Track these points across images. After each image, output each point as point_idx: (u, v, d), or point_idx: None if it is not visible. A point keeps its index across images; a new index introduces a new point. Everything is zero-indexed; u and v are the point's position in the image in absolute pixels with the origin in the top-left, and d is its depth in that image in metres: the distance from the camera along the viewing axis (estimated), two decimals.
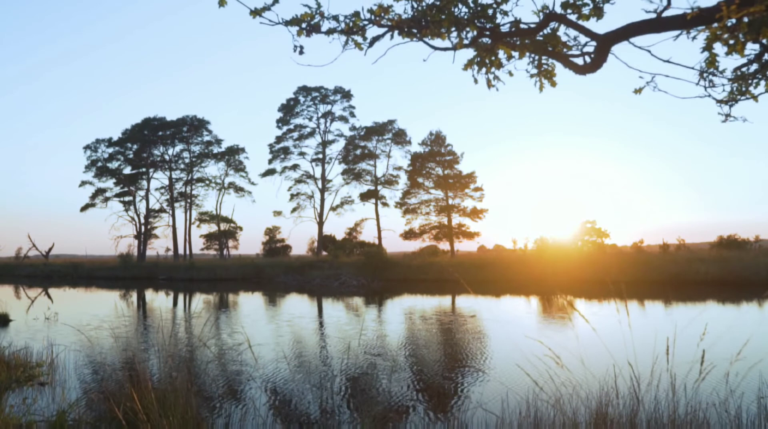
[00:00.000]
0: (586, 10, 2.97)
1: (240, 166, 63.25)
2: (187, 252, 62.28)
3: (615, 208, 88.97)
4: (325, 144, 58.76)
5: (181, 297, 29.48)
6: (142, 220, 63.14)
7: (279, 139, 59.38)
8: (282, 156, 59.22)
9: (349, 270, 37.66)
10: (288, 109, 58.87)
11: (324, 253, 54.78)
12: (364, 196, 56.59)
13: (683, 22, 2.66)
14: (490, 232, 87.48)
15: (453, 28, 2.92)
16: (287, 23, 3.02)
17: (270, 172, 59.73)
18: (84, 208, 63.44)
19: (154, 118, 63.32)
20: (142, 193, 63.66)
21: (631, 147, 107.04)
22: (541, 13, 2.98)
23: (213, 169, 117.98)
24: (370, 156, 56.86)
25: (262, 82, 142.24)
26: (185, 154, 63.41)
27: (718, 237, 42.59)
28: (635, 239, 44.79)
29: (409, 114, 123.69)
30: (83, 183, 63.54)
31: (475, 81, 3.30)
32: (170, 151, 63.35)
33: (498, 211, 68.61)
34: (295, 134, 59.09)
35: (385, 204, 56.75)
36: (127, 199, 63.40)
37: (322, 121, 58.97)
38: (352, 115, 58.85)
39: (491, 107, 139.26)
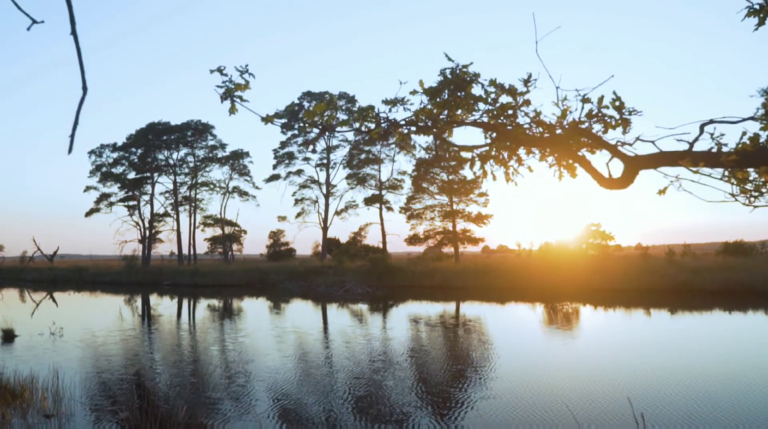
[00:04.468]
0: (612, 121, 2.90)
1: (244, 170, 63.27)
2: (192, 255, 62.42)
3: (619, 208, 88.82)
4: (329, 149, 58.68)
5: (185, 304, 29.44)
6: (147, 225, 63.24)
7: (283, 145, 59.32)
8: (286, 161, 59.16)
9: (354, 276, 37.59)
10: (292, 114, 58.74)
11: (328, 256, 54.72)
12: (369, 201, 56.47)
13: (716, 162, 2.59)
14: (494, 236, 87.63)
15: (477, 162, 2.87)
16: (300, 126, 2.96)
17: (274, 178, 59.69)
18: (89, 214, 63.58)
19: (159, 123, 63.38)
20: (146, 197, 63.77)
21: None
22: (561, 104, 2.92)
23: (217, 173, 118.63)
24: (374, 161, 56.77)
25: (265, 86, 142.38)
26: (189, 159, 63.49)
27: (723, 242, 42.35)
28: (639, 240, 44.78)
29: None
30: (88, 188, 63.68)
31: (494, 177, 3.21)
32: (174, 156, 63.43)
33: (502, 215, 68.51)
34: (300, 139, 59.03)
35: (389, 209, 56.66)
36: (131, 203, 63.49)
37: None
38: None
39: None
